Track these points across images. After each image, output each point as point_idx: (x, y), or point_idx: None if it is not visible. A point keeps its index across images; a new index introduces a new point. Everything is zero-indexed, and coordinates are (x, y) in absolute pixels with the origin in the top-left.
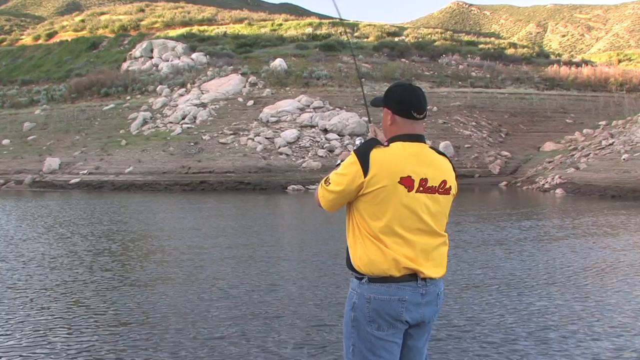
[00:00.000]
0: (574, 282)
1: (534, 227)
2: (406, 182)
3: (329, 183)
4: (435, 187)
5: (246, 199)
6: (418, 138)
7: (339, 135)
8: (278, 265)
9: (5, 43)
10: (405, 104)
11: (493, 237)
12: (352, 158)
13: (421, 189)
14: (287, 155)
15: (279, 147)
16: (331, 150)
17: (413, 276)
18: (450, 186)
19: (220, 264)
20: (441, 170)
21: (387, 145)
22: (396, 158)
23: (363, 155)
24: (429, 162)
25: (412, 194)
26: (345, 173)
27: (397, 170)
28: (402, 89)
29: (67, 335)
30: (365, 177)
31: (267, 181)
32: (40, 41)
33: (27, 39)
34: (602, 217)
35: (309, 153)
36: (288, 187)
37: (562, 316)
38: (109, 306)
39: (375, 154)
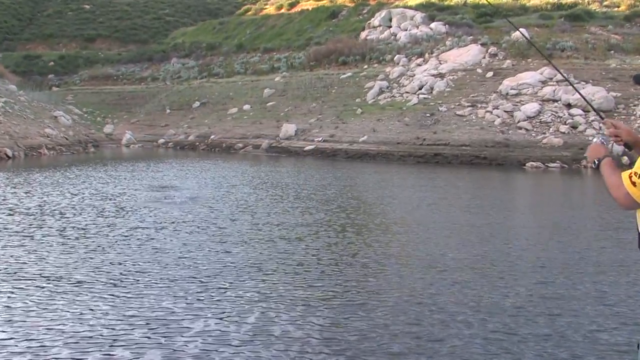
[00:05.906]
0: None
1: None
2: None
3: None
4: None
5: (484, 175)
6: None
7: (583, 110)
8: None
9: (250, 12)
10: None
11: None
12: None
13: None
14: (526, 130)
15: (519, 122)
16: (574, 127)
17: None
18: None
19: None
20: None
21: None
22: None
23: None
24: None
25: None
26: None
27: None
28: None
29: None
30: None
31: (504, 156)
32: (282, 10)
33: (270, 9)
34: None
35: (550, 129)
36: (526, 164)
37: None
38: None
39: None
